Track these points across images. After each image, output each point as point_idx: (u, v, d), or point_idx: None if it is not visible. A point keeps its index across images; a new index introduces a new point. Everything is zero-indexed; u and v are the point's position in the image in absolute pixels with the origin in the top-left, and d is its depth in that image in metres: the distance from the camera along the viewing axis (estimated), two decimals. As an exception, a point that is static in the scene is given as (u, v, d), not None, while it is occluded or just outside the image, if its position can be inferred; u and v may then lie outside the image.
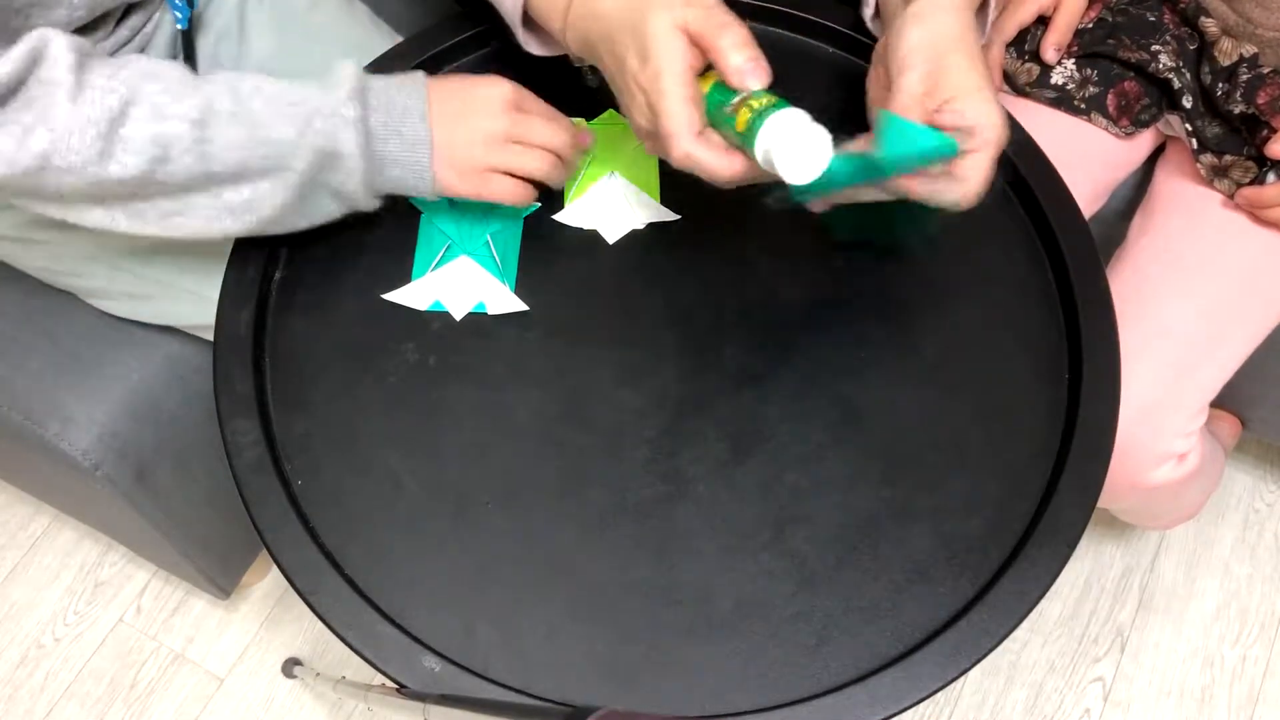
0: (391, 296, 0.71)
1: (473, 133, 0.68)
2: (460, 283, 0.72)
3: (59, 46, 0.61)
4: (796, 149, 0.57)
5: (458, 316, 0.71)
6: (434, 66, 0.81)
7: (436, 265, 0.72)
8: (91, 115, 0.60)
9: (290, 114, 0.65)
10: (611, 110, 0.79)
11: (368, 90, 0.67)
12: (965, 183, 0.60)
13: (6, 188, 0.62)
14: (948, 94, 0.60)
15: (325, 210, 0.69)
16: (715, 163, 0.59)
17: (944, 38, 0.61)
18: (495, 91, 0.69)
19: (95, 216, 0.65)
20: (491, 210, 0.74)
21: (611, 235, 0.74)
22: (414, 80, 0.69)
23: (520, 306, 0.71)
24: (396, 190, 0.70)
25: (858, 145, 0.61)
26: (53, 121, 0.60)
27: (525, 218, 0.75)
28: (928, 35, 0.61)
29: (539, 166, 0.70)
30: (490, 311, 0.71)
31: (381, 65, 0.80)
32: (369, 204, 0.70)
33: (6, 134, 0.59)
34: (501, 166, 0.69)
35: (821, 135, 0.58)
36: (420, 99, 0.68)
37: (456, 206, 0.74)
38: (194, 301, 0.87)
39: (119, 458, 0.90)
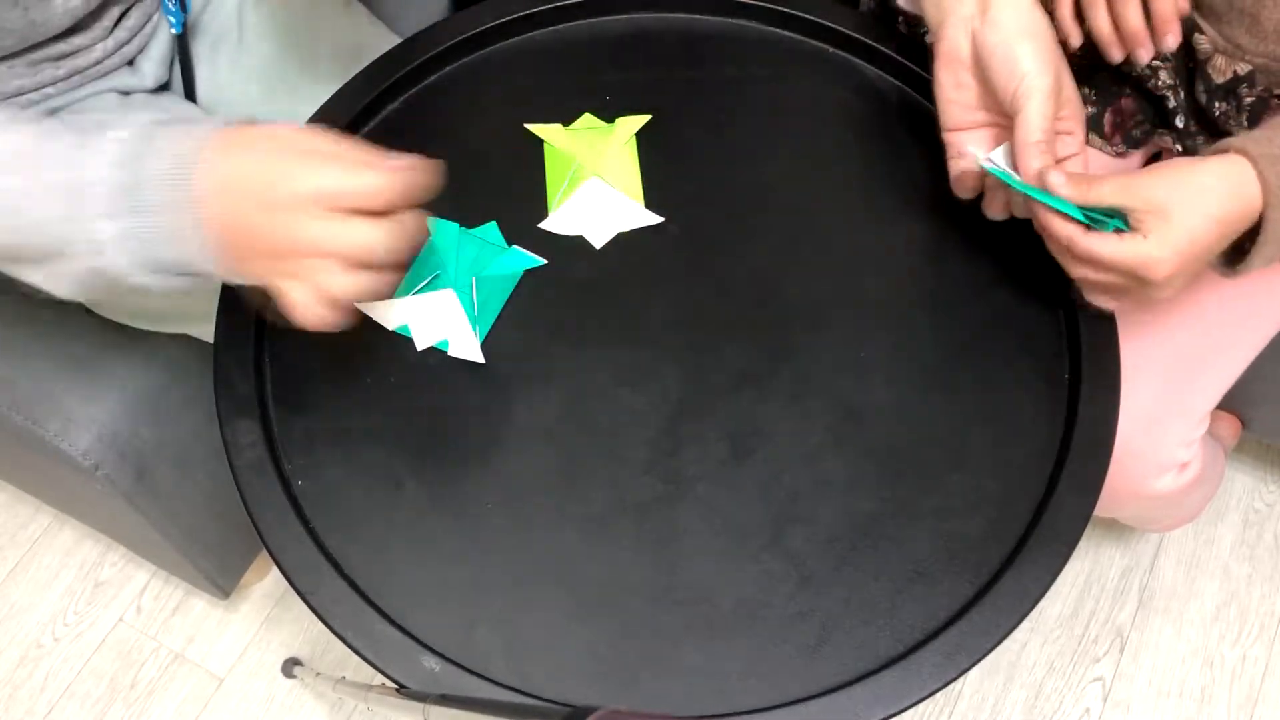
0: (365, 308, 0.70)
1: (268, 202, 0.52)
2: (435, 314, 0.70)
3: None
4: None
5: (420, 347, 0.69)
6: (433, 67, 0.81)
7: (420, 289, 0.71)
8: None
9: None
10: (588, 114, 0.78)
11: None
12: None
13: None
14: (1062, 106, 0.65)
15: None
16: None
17: (1048, 43, 0.65)
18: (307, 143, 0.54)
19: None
20: (494, 255, 0.72)
21: (598, 240, 0.74)
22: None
23: (479, 359, 0.69)
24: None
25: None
26: None
27: (525, 270, 0.72)
28: (1038, 48, 0.64)
29: (378, 238, 0.52)
30: (450, 353, 0.69)
31: (381, 66, 0.80)
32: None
33: None
34: (313, 248, 0.52)
35: None
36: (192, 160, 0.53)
37: (464, 240, 0.73)
38: (187, 312, 0.86)
39: (119, 458, 0.90)
